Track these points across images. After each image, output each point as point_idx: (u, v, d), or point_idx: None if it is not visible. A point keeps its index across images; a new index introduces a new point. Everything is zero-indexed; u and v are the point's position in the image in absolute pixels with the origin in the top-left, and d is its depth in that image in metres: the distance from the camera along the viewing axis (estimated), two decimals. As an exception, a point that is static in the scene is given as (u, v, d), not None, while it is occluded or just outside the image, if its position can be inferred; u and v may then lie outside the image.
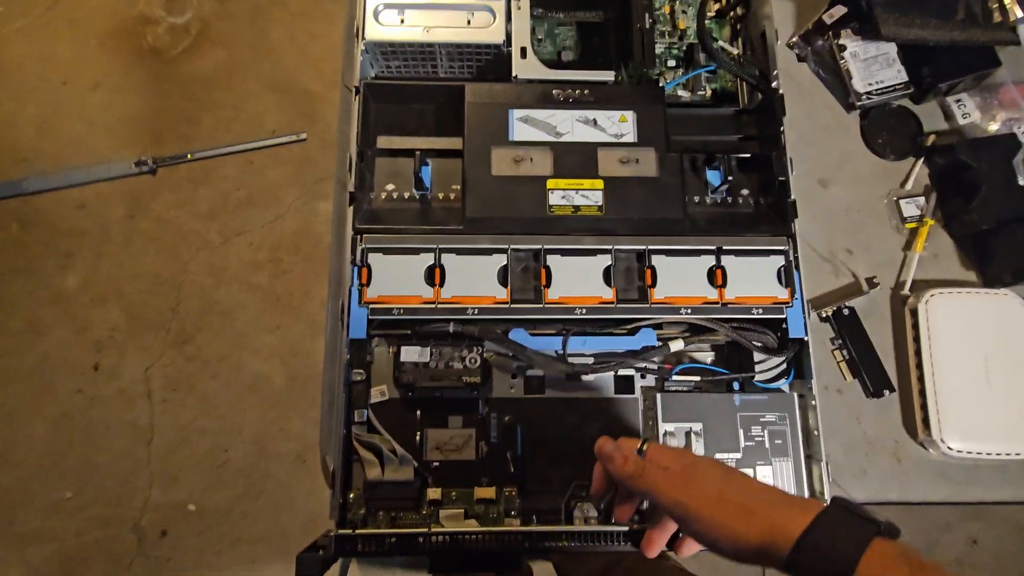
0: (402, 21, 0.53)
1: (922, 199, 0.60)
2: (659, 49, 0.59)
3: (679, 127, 0.55)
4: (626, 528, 0.43)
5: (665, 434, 0.47)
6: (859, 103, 0.62)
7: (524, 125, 0.52)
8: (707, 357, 0.52)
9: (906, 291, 0.58)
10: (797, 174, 0.53)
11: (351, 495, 0.45)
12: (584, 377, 0.49)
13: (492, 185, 0.50)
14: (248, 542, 1.11)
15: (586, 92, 0.53)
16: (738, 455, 0.47)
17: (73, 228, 1.19)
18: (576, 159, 0.51)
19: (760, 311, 0.49)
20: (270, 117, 1.25)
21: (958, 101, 0.63)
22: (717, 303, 0.49)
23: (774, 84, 0.55)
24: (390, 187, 0.53)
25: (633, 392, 0.49)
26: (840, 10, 0.62)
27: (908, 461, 0.55)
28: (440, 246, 0.49)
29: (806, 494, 0.47)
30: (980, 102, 0.63)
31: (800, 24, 0.66)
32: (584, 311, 0.48)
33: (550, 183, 0.50)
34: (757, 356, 0.50)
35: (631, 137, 0.52)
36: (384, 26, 0.53)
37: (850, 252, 0.59)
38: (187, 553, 1.10)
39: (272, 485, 1.13)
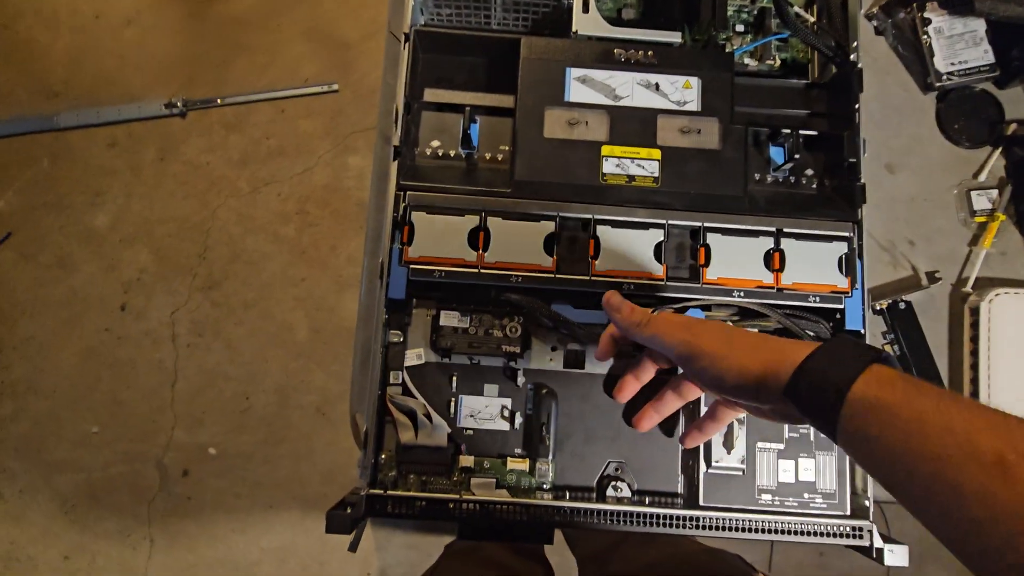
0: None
1: (995, 192, 0.57)
2: (728, 12, 0.55)
3: (744, 98, 0.52)
4: (655, 510, 0.43)
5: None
6: (938, 84, 0.58)
7: (581, 86, 0.49)
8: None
9: (968, 289, 0.55)
10: (864, 157, 0.50)
11: (382, 456, 0.45)
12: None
13: (543, 148, 0.47)
14: (267, 487, 1.13)
15: (650, 54, 0.49)
16: (780, 446, 0.46)
17: (104, 166, 1.19)
18: (634, 125, 0.48)
19: (817, 299, 0.47)
20: (304, 65, 1.21)
21: (1048, 87, 0.58)
22: (772, 288, 0.47)
23: (852, 57, 0.51)
24: (435, 143, 0.51)
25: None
26: (929, -21, 0.57)
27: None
28: (486, 208, 0.47)
29: (848, 492, 0.45)
30: (1072, 90, 0.58)
31: (883, -7, 0.61)
32: (632, 287, 0.46)
33: (605, 150, 0.48)
34: (808, 346, 0.48)
35: (694, 105, 0.49)
36: (439, -31, 0.50)
37: (912, 243, 0.56)
38: (207, 493, 1.13)
39: (293, 434, 1.15)
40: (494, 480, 0.45)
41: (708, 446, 0.45)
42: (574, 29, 0.50)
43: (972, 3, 0.54)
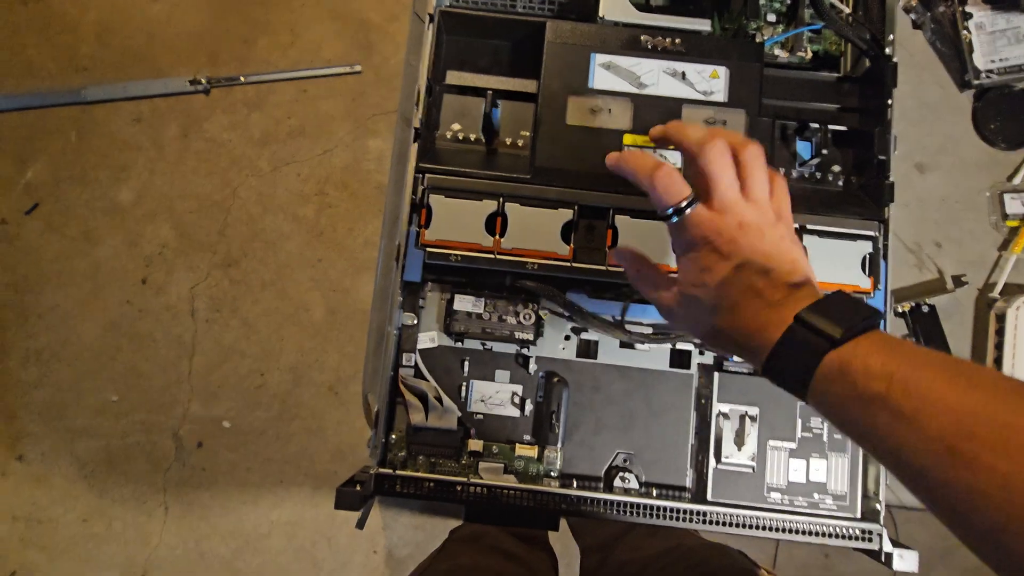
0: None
1: (1030, 195, 0.55)
2: (760, 0, 0.54)
3: (772, 89, 0.50)
4: (662, 503, 0.43)
5: (719, 415, 0.45)
6: (976, 81, 0.56)
7: (606, 72, 0.48)
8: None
9: (995, 294, 0.53)
10: (894, 155, 0.48)
11: (392, 436, 0.45)
12: (639, 346, 0.47)
13: (565, 135, 0.47)
14: (278, 462, 1.16)
15: (677, 41, 0.48)
16: (792, 445, 0.45)
17: (129, 141, 1.21)
18: (658, 114, 0.47)
19: (837, 298, 0.46)
20: (327, 45, 1.21)
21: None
22: (792, 285, 0.46)
23: (888, 51, 0.49)
24: (456, 127, 0.51)
25: (689, 367, 0.47)
26: (973, -29, 0.55)
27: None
28: (505, 193, 0.46)
29: (859, 494, 0.45)
30: (1118, 92, 0.56)
31: (922, -16, 0.59)
32: (648, 278, 0.46)
33: (627, 138, 0.47)
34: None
35: (720, 96, 0.48)
36: (465, -51, 0.50)
37: (939, 245, 0.55)
38: (220, 466, 1.16)
39: (305, 412, 1.17)
40: (502, 465, 0.45)
41: (719, 441, 0.45)
42: (601, 14, 0.50)
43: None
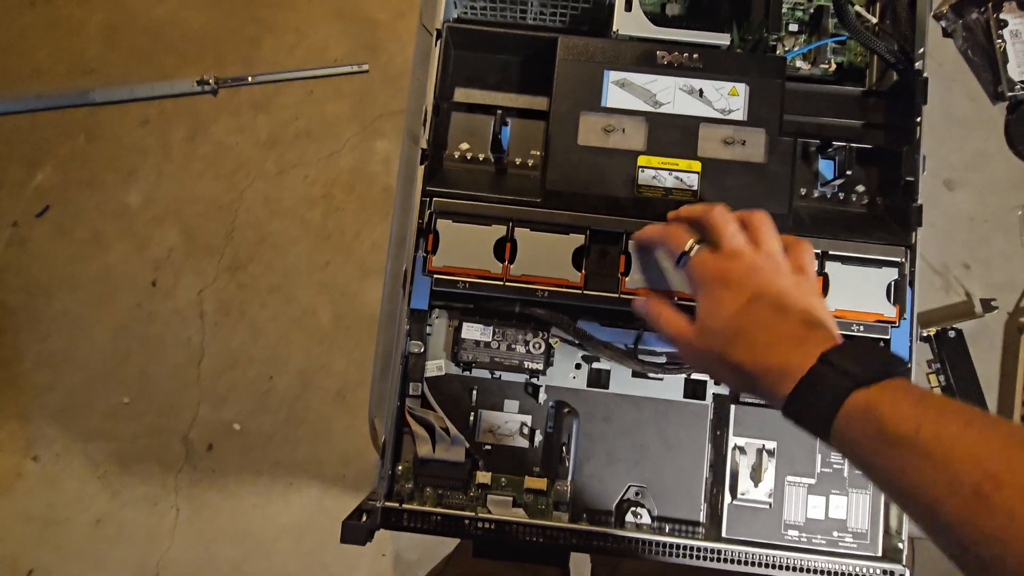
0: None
1: (1064, 214, 0.52)
2: (782, 9, 0.51)
3: (793, 104, 0.48)
4: (675, 540, 0.41)
5: (734, 448, 0.44)
6: (1010, 93, 0.53)
7: (619, 90, 0.46)
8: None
9: (1026, 318, 0.51)
10: (923, 175, 0.46)
11: (399, 468, 0.44)
12: (653, 376, 0.46)
13: (577, 156, 0.45)
14: (287, 466, 1.16)
15: (695, 57, 0.46)
16: (812, 481, 0.43)
17: (136, 144, 1.20)
18: (674, 134, 0.45)
19: (860, 328, 0.44)
20: (333, 45, 1.20)
21: None
22: (813, 314, 0.44)
23: (918, 64, 0.47)
24: (464, 146, 0.49)
25: (704, 398, 0.46)
26: (1009, -23, 0.52)
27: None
28: (514, 218, 0.45)
29: (880, 532, 0.43)
30: None
31: (954, -10, 0.56)
32: (663, 306, 0.44)
33: (641, 159, 0.45)
34: (847, 376, 0.46)
35: (740, 114, 0.46)
36: (474, -39, 0.48)
37: (967, 267, 0.53)
38: (230, 468, 1.16)
39: (312, 416, 1.17)
40: (511, 498, 0.44)
41: (734, 476, 0.44)
42: (615, 28, 0.48)
43: (1057, 6, 0.49)
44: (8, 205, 1.20)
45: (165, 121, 1.20)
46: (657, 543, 0.42)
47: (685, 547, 0.42)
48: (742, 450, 0.44)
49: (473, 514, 0.42)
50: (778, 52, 0.50)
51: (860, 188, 0.48)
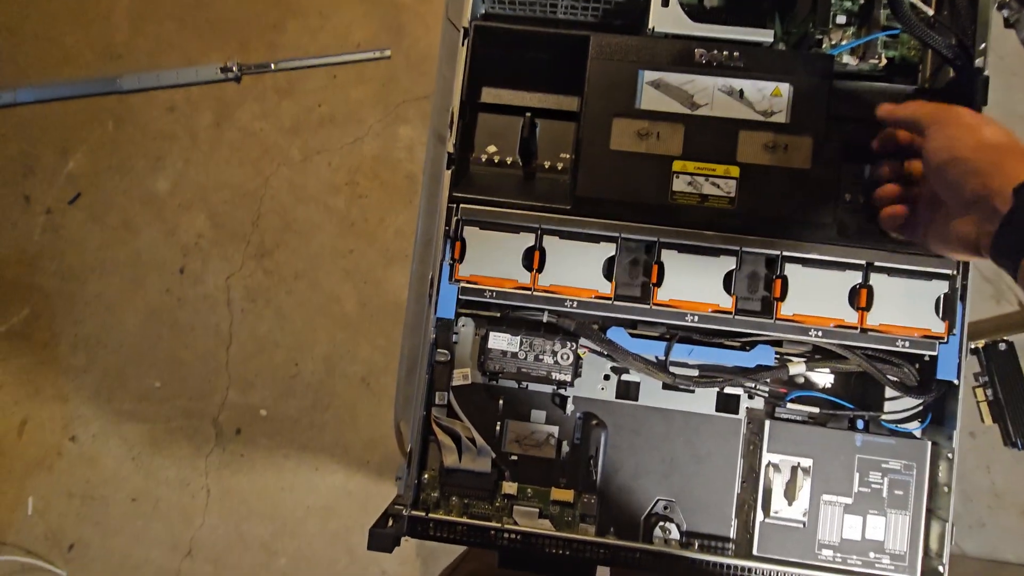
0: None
1: None
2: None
3: (840, 103, 0.45)
4: (704, 556, 0.41)
5: (768, 465, 0.43)
6: (1078, 88, 0.49)
7: (654, 91, 0.44)
8: (825, 382, 0.46)
9: (1084, 331, 0.48)
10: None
11: (425, 476, 0.44)
12: (684, 389, 0.44)
13: (609, 161, 0.43)
14: (313, 451, 1.18)
15: (735, 55, 0.44)
16: (848, 500, 0.42)
17: (163, 131, 1.21)
18: (711, 138, 0.43)
19: (906, 344, 0.42)
20: (356, 28, 1.18)
21: None
22: (855, 328, 0.42)
23: (978, 61, 0.44)
24: (492, 149, 0.48)
25: (737, 413, 0.44)
26: (1085, -39, 0.48)
27: (1037, 521, 0.49)
28: (543, 226, 0.44)
29: (920, 554, 0.42)
30: None
31: (1021, -24, 0.52)
32: (696, 319, 0.43)
33: (676, 164, 0.43)
34: (889, 392, 0.44)
35: (782, 117, 0.43)
36: (504, -47, 0.45)
37: (1021, 275, 0.50)
38: (258, 452, 1.19)
39: (338, 402, 1.19)
40: (537, 510, 0.43)
41: (767, 494, 0.43)
42: (650, 25, 0.45)
43: None
44: (41, 192, 1.22)
45: (191, 107, 1.20)
46: (686, 559, 0.41)
47: (714, 564, 0.41)
48: (776, 467, 0.42)
49: (499, 525, 0.42)
50: (824, 47, 0.47)
51: (910, 194, 0.46)
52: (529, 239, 0.43)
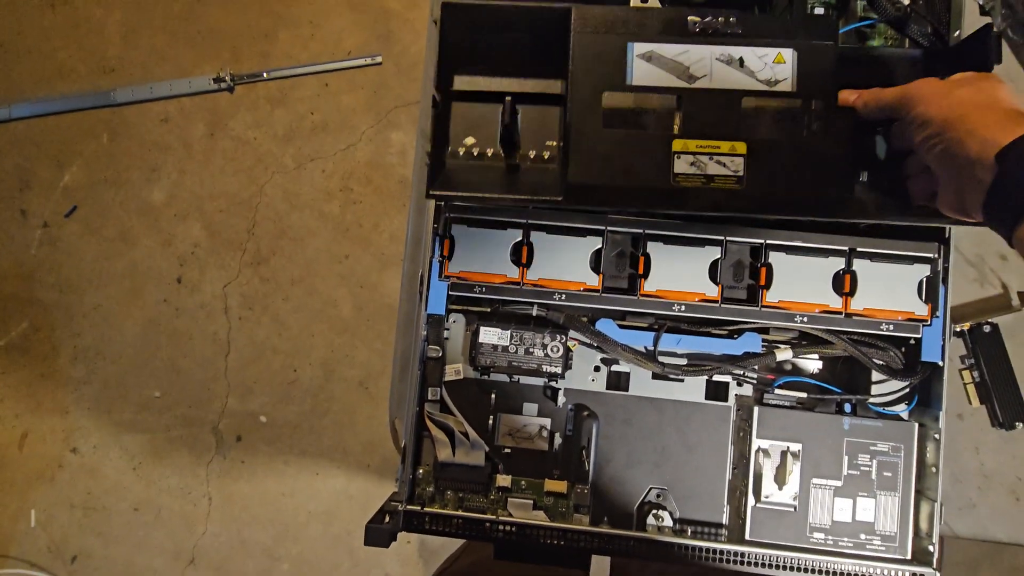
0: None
1: (1111, 200, 0.50)
2: (808, -9, 0.49)
3: (846, 69, 0.40)
4: (697, 543, 0.41)
5: (758, 450, 0.43)
6: (1054, 73, 0.50)
7: (647, 64, 0.39)
8: (813, 367, 0.47)
9: (1067, 311, 0.49)
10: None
11: (420, 471, 0.45)
12: (673, 378, 0.45)
13: (602, 144, 0.39)
14: (313, 456, 1.19)
15: (732, 20, 0.40)
16: (838, 483, 0.43)
17: (158, 142, 1.22)
18: (713, 113, 0.39)
19: (891, 327, 0.43)
20: (347, 36, 1.19)
21: None
22: (840, 313, 0.43)
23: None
24: (470, 141, 0.44)
25: (726, 400, 0.45)
26: (1056, -52, 0.49)
27: (1027, 501, 0.49)
28: (530, 220, 0.44)
29: (910, 534, 0.42)
30: None
31: (994, -36, 0.53)
32: (683, 308, 0.43)
33: (677, 144, 0.38)
34: (875, 376, 0.44)
35: (788, 84, 0.39)
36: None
37: (1004, 258, 0.50)
38: (258, 458, 1.19)
39: (336, 407, 1.19)
40: (531, 501, 0.44)
41: (758, 479, 0.43)
42: None
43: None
44: (38, 205, 1.23)
45: (185, 118, 1.21)
46: (679, 545, 0.42)
47: (708, 550, 0.41)
48: (766, 452, 0.43)
49: (494, 517, 0.42)
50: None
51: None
52: (517, 234, 0.44)
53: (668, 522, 0.43)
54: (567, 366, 0.45)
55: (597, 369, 0.46)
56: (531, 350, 0.44)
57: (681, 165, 0.39)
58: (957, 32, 0.44)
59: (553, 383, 0.45)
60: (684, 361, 0.45)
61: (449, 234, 0.44)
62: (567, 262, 0.44)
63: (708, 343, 0.45)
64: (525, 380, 0.45)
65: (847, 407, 0.44)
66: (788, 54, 0.39)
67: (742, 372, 0.44)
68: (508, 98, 0.41)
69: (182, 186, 1.21)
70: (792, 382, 0.45)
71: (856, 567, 0.41)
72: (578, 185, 0.40)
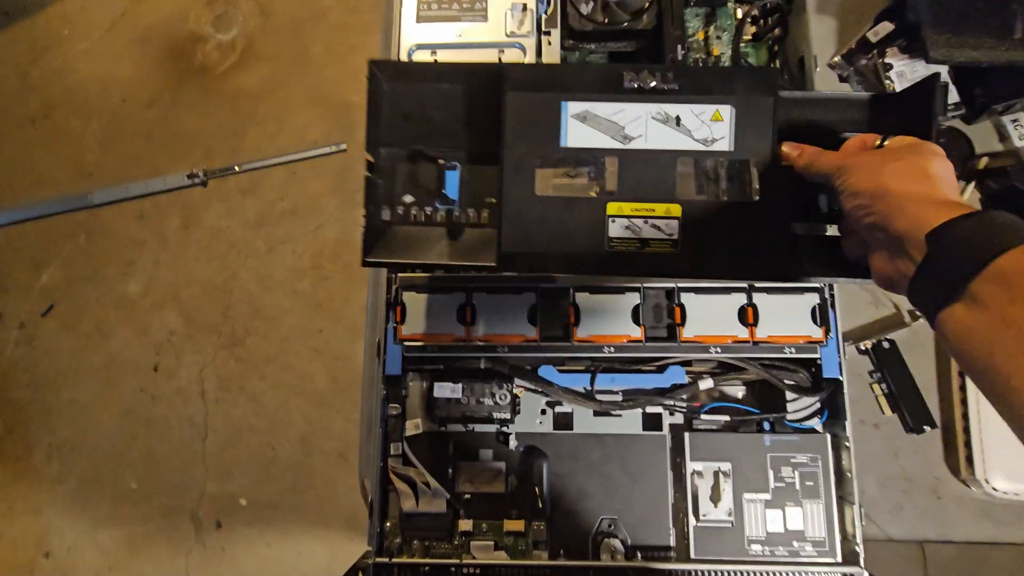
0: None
1: (973, 225, 0.58)
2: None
3: (787, 118, 0.39)
4: (649, 565, 0.44)
5: (692, 473, 0.48)
6: (906, 125, 0.60)
7: (581, 125, 0.39)
8: (739, 393, 0.52)
9: (952, 323, 0.56)
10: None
11: (387, 524, 0.48)
12: (612, 413, 0.50)
13: (535, 209, 0.39)
14: (295, 534, 1.17)
15: (669, 75, 0.38)
16: (767, 496, 0.47)
17: (134, 238, 1.27)
18: (648, 174, 0.39)
19: (793, 350, 0.49)
20: (311, 129, 1.29)
21: (1015, 121, 0.59)
22: (748, 342, 0.49)
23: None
24: (408, 199, 0.41)
25: (661, 429, 0.50)
26: (886, 27, 0.59)
27: (949, 499, 0.54)
28: (472, 283, 0.50)
29: (837, 537, 0.46)
30: (1041, 121, 0.59)
31: (843, 42, 0.63)
32: (612, 350, 0.49)
33: (611, 207, 0.39)
34: (789, 395, 0.50)
35: (725, 144, 0.38)
36: (418, 65, 0.54)
37: (892, 282, 0.58)
38: (239, 544, 1.17)
39: (317, 480, 1.19)
40: (492, 543, 0.47)
41: (695, 499, 0.47)
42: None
43: (927, 52, 0.56)
44: (15, 307, 1.26)
45: (160, 213, 1.28)
46: (632, 569, 0.45)
47: (658, 571, 0.45)
48: (700, 474, 0.47)
49: (459, 561, 0.45)
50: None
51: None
52: (461, 297, 0.50)
53: (621, 549, 0.47)
54: (515, 411, 0.49)
55: (544, 412, 0.50)
56: (482, 400, 0.49)
57: (616, 229, 0.39)
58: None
59: (504, 428, 0.49)
60: (620, 397, 0.50)
61: (400, 301, 0.50)
62: (507, 317, 0.49)
63: (639, 379, 0.50)
64: (479, 428, 0.50)
65: (766, 425, 0.50)
66: (726, 111, 0.39)
67: (672, 402, 0.50)
68: (440, 161, 0.41)
69: (157, 277, 1.26)
70: (717, 407, 0.50)
71: (793, 573, 0.45)
72: (511, 254, 0.39)
